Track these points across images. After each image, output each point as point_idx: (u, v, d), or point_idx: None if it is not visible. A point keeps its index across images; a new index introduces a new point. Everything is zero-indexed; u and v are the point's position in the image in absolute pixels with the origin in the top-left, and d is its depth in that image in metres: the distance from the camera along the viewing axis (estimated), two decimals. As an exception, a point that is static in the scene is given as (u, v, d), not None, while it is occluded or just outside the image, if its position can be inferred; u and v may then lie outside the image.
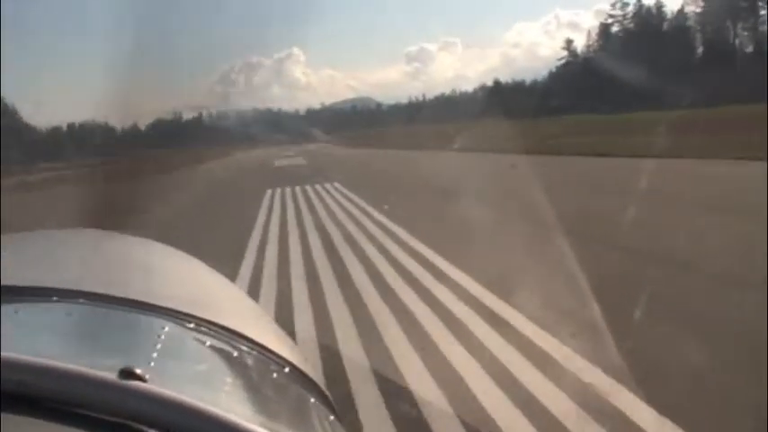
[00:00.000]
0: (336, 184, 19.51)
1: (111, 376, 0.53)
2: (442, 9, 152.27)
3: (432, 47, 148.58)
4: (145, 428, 0.52)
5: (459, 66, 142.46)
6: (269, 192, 19.43)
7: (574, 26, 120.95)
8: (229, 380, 0.72)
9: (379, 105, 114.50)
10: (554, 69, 76.69)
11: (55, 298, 0.77)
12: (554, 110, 56.12)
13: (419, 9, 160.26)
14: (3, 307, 0.72)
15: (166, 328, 0.76)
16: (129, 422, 0.52)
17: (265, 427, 0.56)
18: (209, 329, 0.81)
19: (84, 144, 62.00)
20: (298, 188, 19.93)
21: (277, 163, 37.17)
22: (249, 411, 0.64)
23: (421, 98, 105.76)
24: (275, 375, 0.80)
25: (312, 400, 0.80)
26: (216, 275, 1.18)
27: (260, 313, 1.17)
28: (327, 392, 0.88)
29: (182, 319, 0.80)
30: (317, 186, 19.91)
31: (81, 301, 0.78)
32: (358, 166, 29.25)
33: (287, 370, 0.83)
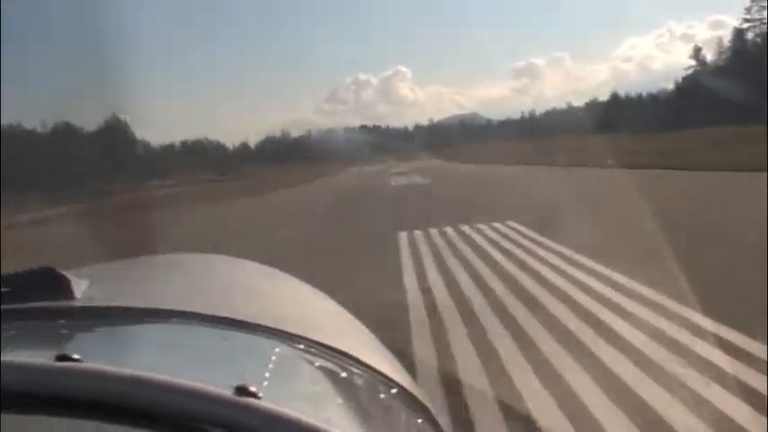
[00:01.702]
0: (514, 224, 11.59)
1: (227, 393, 0.54)
2: (549, 23, 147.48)
3: (540, 61, 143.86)
4: None
5: (568, 80, 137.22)
6: (402, 238, 11.48)
7: (688, 38, 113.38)
8: (339, 400, 0.72)
9: (488, 121, 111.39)
10: (679, 80, 70.68)
11: (174, 319, 0.80)
12: (681, 123, 50.71)
13: (526, 24, 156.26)
14: (120, 328, 0.76)
15: (277, 349, 0.77)
16: None
17: None
18: (319, 350, 0.82)
19: (197, 162, 62.75)
20: (451, 232, 11.60)
21: (394, 182, 32.03)
22: (357, 430, 0.65)
23: (530, 113, 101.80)
24: (383, 396, 0.80)
25: (420, 421, 0.81)
26: (321, 296, 1.18)
27: (367, 334, 1.11)
28: (435, 415, 0.86)
29: (292, 341, 0.82)
30: (484, 229, 11.62)
31: (194, 322, 0.80)
32: (501, 188, 22.12)
33: (394, 391, 0.83)
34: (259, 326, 0.83)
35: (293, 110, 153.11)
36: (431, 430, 0.82)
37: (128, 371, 0.54)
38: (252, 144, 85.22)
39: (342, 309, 1.19)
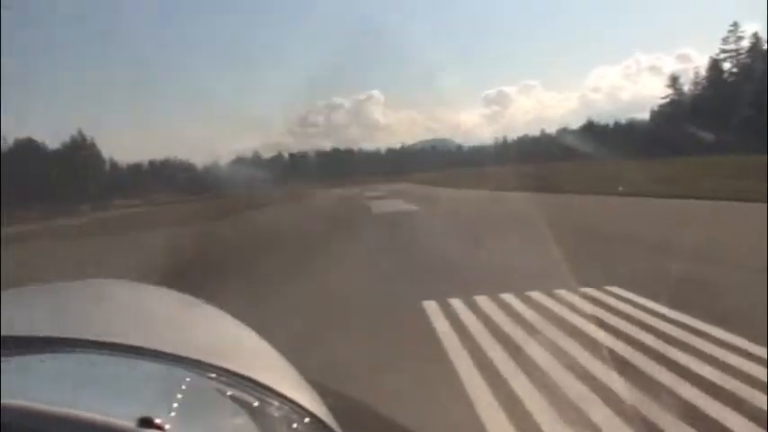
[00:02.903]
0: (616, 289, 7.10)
1: (130, 425, 0.53)
2: (520, 51, 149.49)
3: (510, 89, 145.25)
4: None
5: (538, 108, 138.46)
6: (436, 319, 6.43)
7: (655, 70, 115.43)
8: (250, 431, 0.72)
9: (459, 147, 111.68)
10: (655, 108, 71.55)
11: (80, 348, 0.77)
12: (655, 152, 50.83)
13: (496, 52, 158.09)
14: (15, 359, 0.72)
15: (188, 379, 0.76)
16: None
17: None
18: (231, 379, 0.81)
19: (165, 182, 61.08)
20: (502, 299, 7.06)
21: (375, 209, 27.00)
22: None
23: (501, 140, 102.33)
24: (295, 426, 0.79)
25: None
26: (236, 324, 1.16)
27: (282, 363, 1.08)
28: None
29: (203, 369, 0.80)
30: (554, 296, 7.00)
31: (102, 351, 0.78)
32: (507, 219, 16.87)
33: (307, 420, 0.81)
34: (169, 354, 0.79)
35: (264, 131, 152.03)
36: None
37: (25, 402, 0.52)
38: (222, 164, 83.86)
39: (258, 337, 1.12)
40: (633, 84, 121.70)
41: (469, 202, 29.08)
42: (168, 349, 0.81)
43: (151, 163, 70.66)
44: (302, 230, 19.24)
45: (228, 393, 0.77)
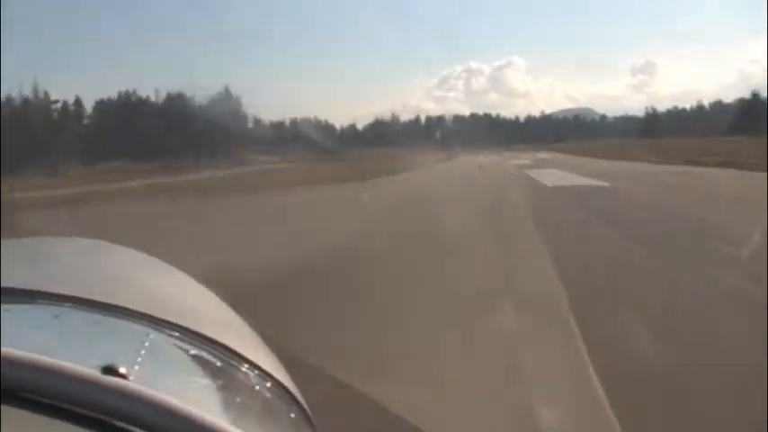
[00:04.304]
0: None
1: (94, 372, 0.53)
2: (670, 20, 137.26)
3: (659, 59, 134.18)
4: (124, 425, 0.51)
5: (688, 80, 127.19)
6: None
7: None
8: (211, 388, 0.73)
9: (602, 117, 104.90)
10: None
11: (41, 300, 0.78)
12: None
13: (646, 19, 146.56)
14: None
15: (151, 335, 0.76)
16: (109, 419, 0.51)
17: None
18: (194, 339, 0.81)
19: (303, 141, 61.08)
20: None
21: (545, 180, 21.89)
22: (227, 419, 0.63)
23: (651, 110, 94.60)
24: (257, 388, 0.80)
25: (293, 416, 0.80)
26: (199, 286, 1.16)
27: (247, 329, 1.07)
28: (307, 407, 0.86)
29: (167, 328, 0.80)
30: None
31: (68, 304, 0.78)
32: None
33: (269, 384, 0.82)
34: (133, 311, 0.80)
35: (403, 95, 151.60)
36: (304, 425, 0.81)
37: None
38: (360, 126, 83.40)
39: (223, 303, 1.11)
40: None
41: (659, 177, 24.02)
42: (133, 307, 0.81)
43: (292, 121, 71.34)
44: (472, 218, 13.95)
45: (192, 353, 0.77)
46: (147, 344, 0.72)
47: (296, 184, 24.82)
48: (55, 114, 59.06)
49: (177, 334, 0.80)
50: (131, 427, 0.51)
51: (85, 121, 62.71)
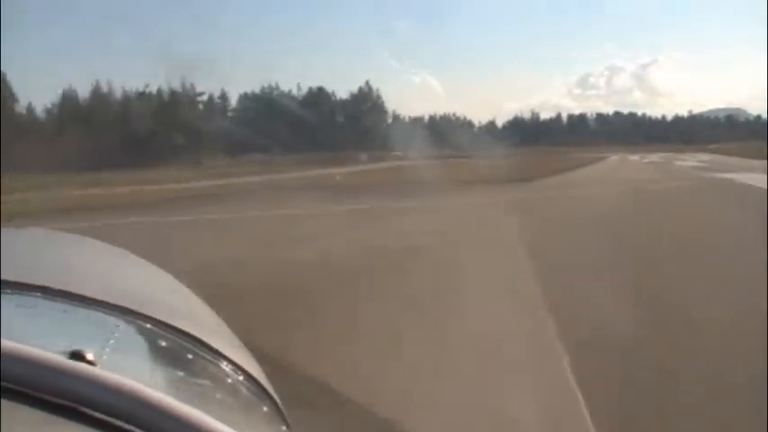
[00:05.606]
0: None
1: (61, 357, 0.53)
2: None
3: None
4: (90, 411, 0.51)
5: None
6: None
7: None
8: (182, 379, 0.72)
9: (758, 117, 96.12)
10: None
11: (8, 291, 0.76)
12: None
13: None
14: None
15: (121, 326, 0.76)
16: (76, 405, 0.51)
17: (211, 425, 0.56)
18: (164, 331, 0.80)
19: (441, 138, 59.65)
20: None
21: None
22: (197, 408, 0.61)
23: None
24: (229, 381, 0.79)
25: (265, 409, 0.80)
26: (168, 277, 1.16)
27: (219, 322, 1.06)
28: (279, 401, 0.85)
29: (138, 318, 0.79)
30: None
31: (37, 294, 0.77)
32: None
33: (240, 378, 0.81)
34: (101, 301, 0.80)
35: (543, 92, 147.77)
36: (276, 419, 0.80)
37: None
38: (499, 123, 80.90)
39: (195, 296, 1.10)
40: None
41: None
42: (100, 297, 0.80)
43: (431, 118, 70.19)
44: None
45: (163, 344, 0.76)
46: (116, 334, 0.71)
47: (462, 182, 23.00)
48: (200, 107, 61.12)
49: (149, 325, 0.78)
50: (98, 414, 0.50)
51: (230, 114, 64.53)
